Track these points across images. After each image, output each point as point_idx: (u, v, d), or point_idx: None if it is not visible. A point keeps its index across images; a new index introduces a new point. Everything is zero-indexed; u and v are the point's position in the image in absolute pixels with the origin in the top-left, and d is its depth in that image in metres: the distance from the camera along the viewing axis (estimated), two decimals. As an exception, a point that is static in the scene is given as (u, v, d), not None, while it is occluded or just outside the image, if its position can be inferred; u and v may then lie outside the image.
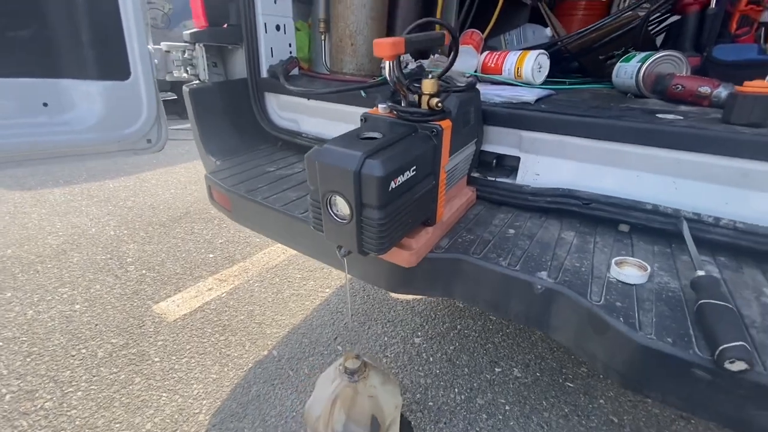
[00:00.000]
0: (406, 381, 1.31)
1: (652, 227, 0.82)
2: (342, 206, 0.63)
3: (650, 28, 1.56)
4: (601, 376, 1.36)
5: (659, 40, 1.72)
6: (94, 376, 1.28)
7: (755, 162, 0.72)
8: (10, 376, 1.28)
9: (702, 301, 0.60)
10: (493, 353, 1.45)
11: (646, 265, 0.71)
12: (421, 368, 1.37)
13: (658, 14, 1.44)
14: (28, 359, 1.34)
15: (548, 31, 1.76)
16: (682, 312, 0.62)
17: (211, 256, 2.01)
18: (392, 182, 0.60)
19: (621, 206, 0.85)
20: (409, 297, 1.75)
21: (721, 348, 0.51)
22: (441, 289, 0.82)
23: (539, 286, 0.69)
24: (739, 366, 0.51)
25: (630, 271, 0.70)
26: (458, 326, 1.58)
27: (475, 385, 1.31)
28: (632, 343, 0.58)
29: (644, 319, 0.61)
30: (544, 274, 0.70)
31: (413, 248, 0.73)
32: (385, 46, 0.61)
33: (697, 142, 0.74)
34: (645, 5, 1.44)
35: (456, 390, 1.29)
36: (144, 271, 1.85)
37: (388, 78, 0.68)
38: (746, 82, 0.78)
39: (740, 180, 0.75)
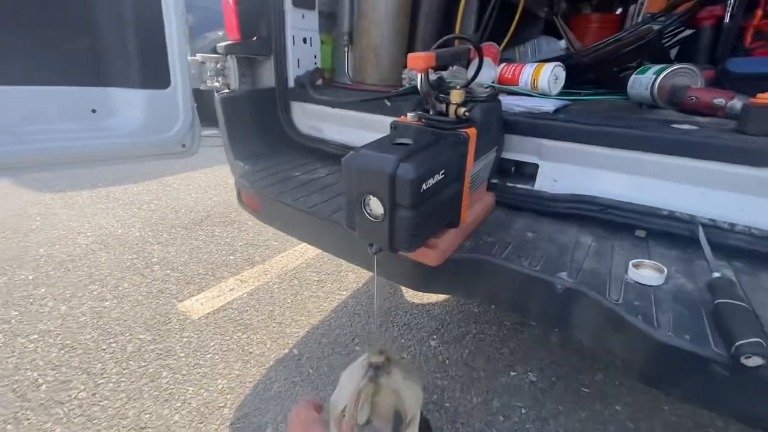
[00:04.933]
0: (423, 382, 1.34)
1: (668, 232, 0.85)
2: (376, 206, 0.68)
3: (664, 41, 1.59)
4: (617, 383, 1.37)
5: (673, 52, 1.75)
6: (124, 369, 1.34)
7: (770, 170, 0.75)
8: (47, 366, 1.34)
9: (718, 300, 0.63)
10: (508, 358, 1.47)
11: (663, 267, 0.73)
12: (437, 370, 1.40)
13: (672, 28, 1.48)
14: (62, 351, 1.41)
15: (562, 43, 1.81)
16: (699, 312, 0.65)
17: (231, 258, 2.08)
18: (423, 184, 0.64)
19: (638, 212, 0.88)
20: (424, 302, 1.78)
21: (737, 344, 0.54)
22: (463, 288, 0.86)
23: (560, 286, 0.72)
24: (755, 361, 0.53)
25: (647, 272, 0.73)
26: (473, 331, 1.61)
27: (491, 387, 1.33)
28: (651, 340, 0.61)
29: (662, 317, 0.64)
30: (564, 275, 0.74)
31: (439, 248, 0.78)
32: (418, 60, 0.66)
33: (713, 151, 0.77)
34: (660, 19, 1.48)
35: (472, 392, 1.31)
36: (168, 271, 1.92)
37: (419, 88, 0.73)
38: (759, 94, 0.81)
39: (756, 188, 0.78)
